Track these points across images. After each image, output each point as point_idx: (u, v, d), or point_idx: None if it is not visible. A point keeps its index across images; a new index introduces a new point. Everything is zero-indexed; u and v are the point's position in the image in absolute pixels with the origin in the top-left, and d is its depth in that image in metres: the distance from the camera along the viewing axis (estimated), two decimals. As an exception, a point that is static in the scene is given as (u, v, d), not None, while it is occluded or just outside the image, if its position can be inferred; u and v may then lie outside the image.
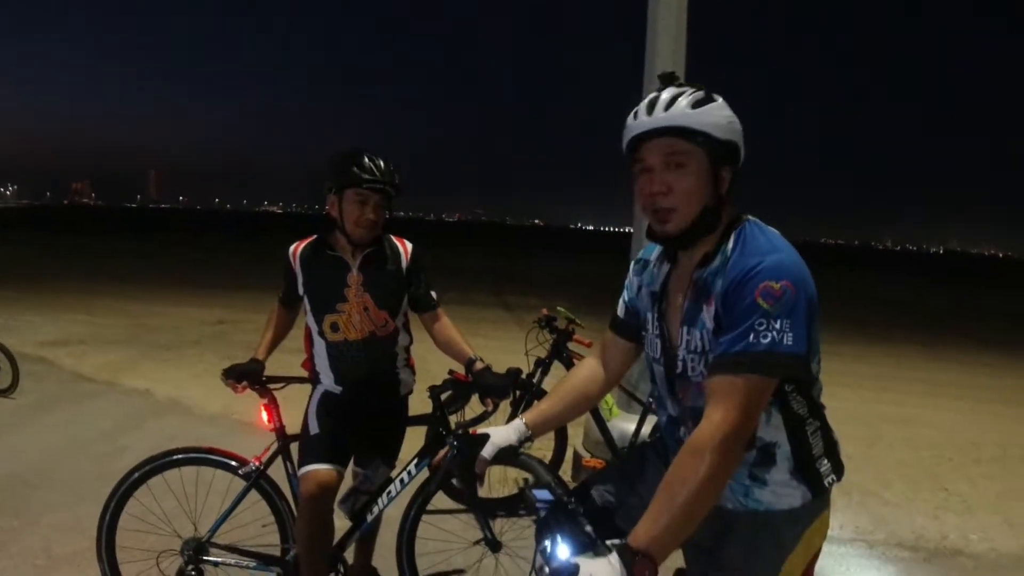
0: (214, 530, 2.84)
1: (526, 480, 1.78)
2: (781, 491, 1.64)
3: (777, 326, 1.44)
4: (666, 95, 1.61)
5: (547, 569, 1.45)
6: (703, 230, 1.62)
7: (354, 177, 2.65)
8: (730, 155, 1.60)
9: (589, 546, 1.46)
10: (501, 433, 1.89)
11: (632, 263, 1.93)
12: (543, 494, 1.63)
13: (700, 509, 1.41)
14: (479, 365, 2.75)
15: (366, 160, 2.67)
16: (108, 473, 2.87)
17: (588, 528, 1.52)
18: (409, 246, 2.90)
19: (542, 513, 1.59)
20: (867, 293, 25.29)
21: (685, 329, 1.65)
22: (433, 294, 2.91)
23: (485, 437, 1.87)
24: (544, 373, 4.29)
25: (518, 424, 1.91)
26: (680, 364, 1.68)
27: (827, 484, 1.67)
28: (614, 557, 1.37)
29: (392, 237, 2.89)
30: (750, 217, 1.66)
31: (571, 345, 4.39)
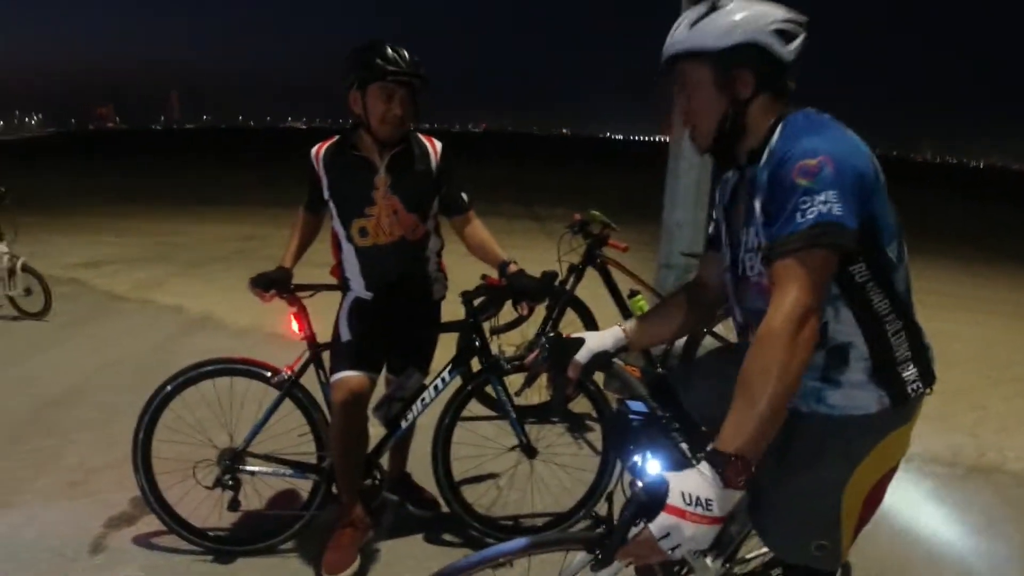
0: (249, 440, 2.83)
1: (598, 390, 1.68)
2: (856, 394, 1.54)
3: (821, 199, 1.37)
4: (677, 22, 1.64)
5: (639, 484, 1.37)
6: (732, 137, 1.62)
7: (378, 69, 2.49)
8: (744, 56, 1.55)
9: (683, 463, 1.40)
10: (596, 338, 1.82)
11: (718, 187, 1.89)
12: (637, 406, 1.55)
13: (784, 396, 1.32)
14: (513, 268, 2.65)
15: (389, 51, 2.50)
16: (142, 388, 2.85)
17: (683, 444, 1.45)
18: (439, 145, 2.75)
19: (635, 425, 1.51)
20: (905, 209, 24.55)
21: (745, 229, 1.61)
22: (464, 196, 2.79)
23: (580, 341, 1.81)
24: (578, 279, 4.17)
25: (615, 331, 1.85)
26: (741, 265, 1.62)
27: (911, 394, 1.55)
28: (705, 466, 1.30)
29: (420, 136, 2.75)
30: (806, 109, 1.58)
31: (606, 251, 4.25)
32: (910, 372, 1.55)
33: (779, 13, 1.56)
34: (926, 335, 1.62)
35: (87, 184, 21.60)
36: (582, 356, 1.79)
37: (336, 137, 2.74)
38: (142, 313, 6.53)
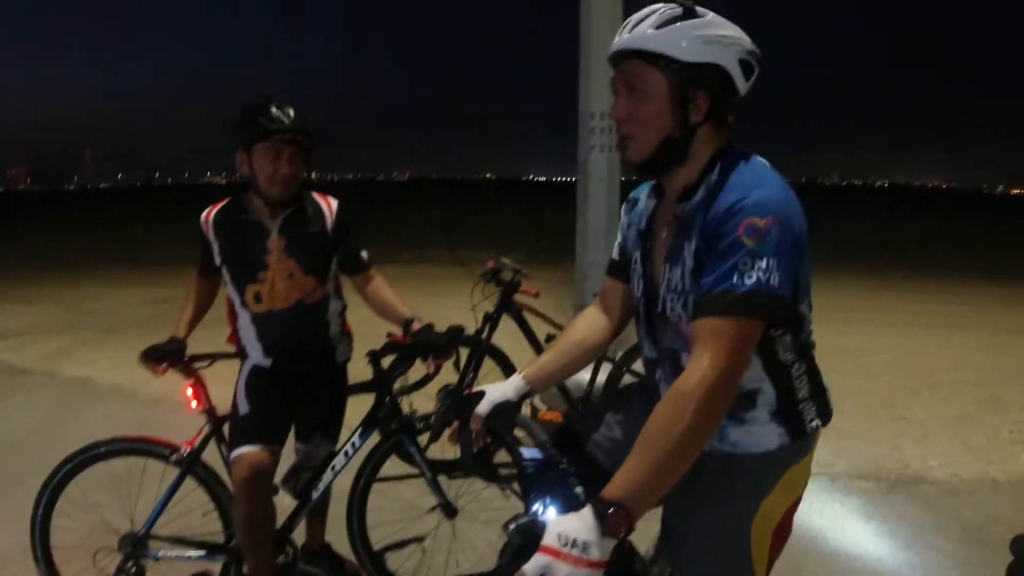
0: (151, 522, 2.68)
1: (514, 440, 1.68)
2: (757, 433, 1.55)
3: (763, 265, 1.34)
4: (642, 13, 1.50)
5: (511, 527, 1.35)
6: (668, 161, 1.53)
7: (262, 129, 2.42)
8: (707, 78, 1.45)
9: (578, 507, 1.36)
10: (497, 390, 1.76)
11: (624, 204, 1.82)
12: (531, 453, 1.54)
13: (682, 461, 1.31)
14: (417, 325, 2.59)
15: (273, 109, 2.43)
16: (42, 468, 2.71)
17: (578, 489, 1.43)
18: (334, 203, 2.69)
19: (529, 471, 1.51)
20: (816, 229, 25.46)
21: (667, 266, 1.56)
22: (364, 254, 2.71)
23: (480, 394, 1.74)
24: (493, 328, 4.15)
25: (516, 379, 1.78)
26: (660, 303, 1.57)
27: (810, 429, 1.58)
28: (587, 510, 1.27)
29: (314, 194, 2.67)
30: (738, 148, 1.54)
31: (519, 297, 4.24)
32: (810, 411, 1.58)
33: (747, 42, 1.49)
34: (824, 375, 1.64)
35: (-4, 250, 20.72)
36: (482, 408, 1.72)
37: (227, 200, 2.66)
38: (47, 386, 6.18)
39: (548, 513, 1.41)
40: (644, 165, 1.54)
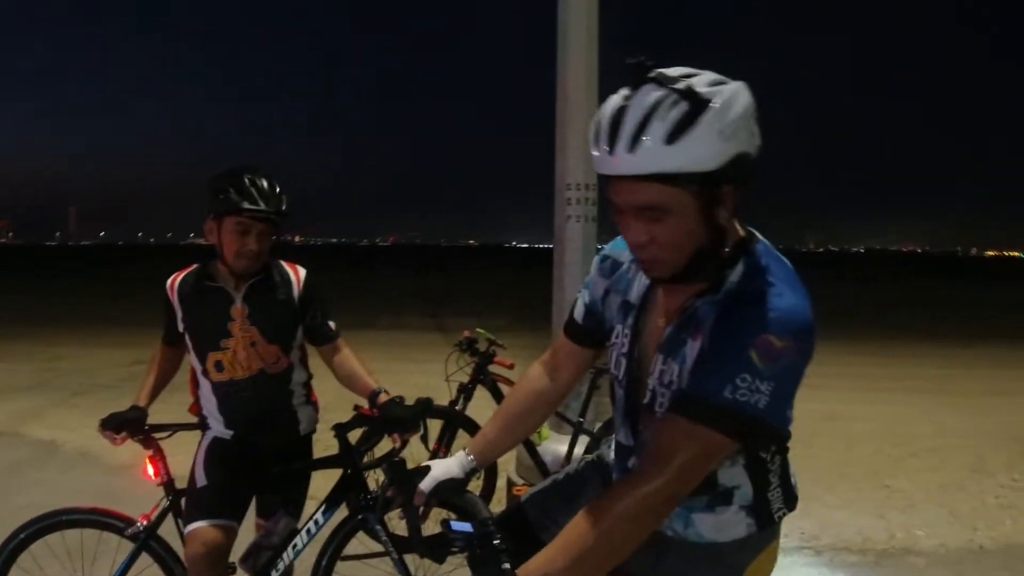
0: (103, 600, 2.54)
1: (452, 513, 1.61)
2: (727, 523, 1.47)
3: (763, 388, 1.21)
4: (633, 119, 1.20)
5: None
6: (702, 268, 1.32)
7: (232, 204, 2.37)
8: (734, 171, 1.22)
9: None
10: (442, 466, 1.66)
11: (597, 259, 1.63)
12: (461, 527, 1.47)
13: (602, 562, 1.26)
14: (383, 397, 2.52)
15: (247, 183, 2.38)
16: (4, 535, 2.61)
17: (506, 565, 1.37)
18: (302, 272, 2.64)
19: (456, 548, 1.46)
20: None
21: (661, 358, 1.41)
22: (331, 324, 2.67)
23: (425, 469, 1.65)
24: (467, 399, 4.11)
25: (461, 456, 1.69)
26: (649, 394, 1.44)
27: (777, 517, 1.50)
28: None
29: (282, 263, 2.63)
30: (760, 238, 1.39)
31: (493, 368, 4.21)
32: (777, 499, 1.51)
33: (748, 96, 1.24)
34: (791, 465, 1.56)
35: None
36: (426, 485, 1.63)
37: (193, 266, 2.61)
38: (11, 448, 6.01)
39: None
40: (675, 279, 1.34)
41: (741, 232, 1.37)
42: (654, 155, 1.19)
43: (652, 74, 1.22)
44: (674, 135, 1.18)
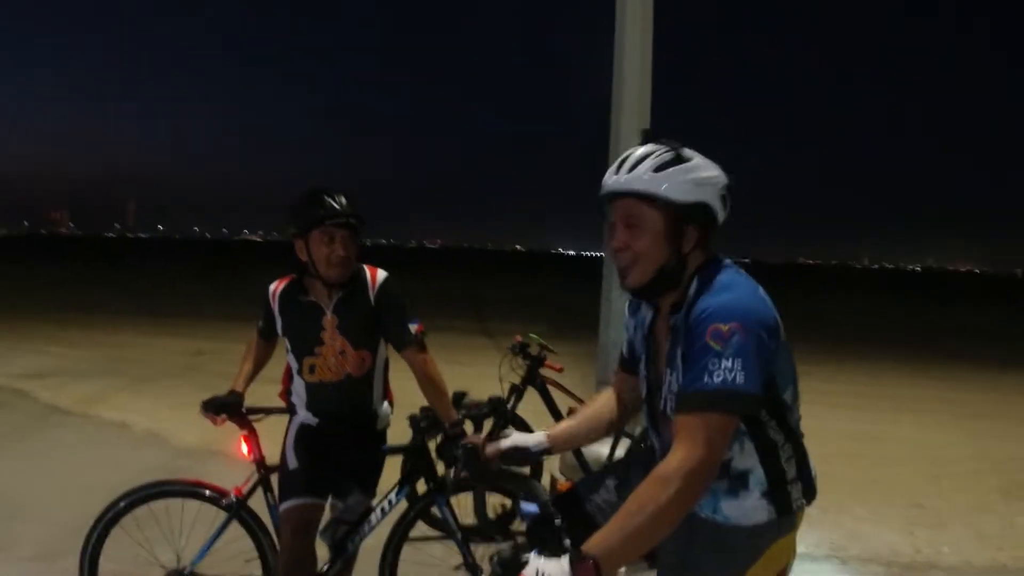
0: (196, 562, 2.85)
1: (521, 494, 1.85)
2: (748, 508, 1.72)
3: (729, 364, 1.52)
4: (634, 156, 1.71)
5: (495, 558, 1.59)
6: (663, 286, 1.73)
7: (316, 217, 2.65)
8: (696, 214, 1.67)
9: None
10: (519, 436, 2.02)
11: (627, 306, 2.02)
12: (530, 507, 1.73)
13: (655, 533, 1.50)
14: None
15: (325, 198, 2.67)
16: (82, 506, 2.91)
17: (567, 542, 1.58)
18: (380, 275, 2.85)
19: (527, 523, 1.70)
20: (844, 313, 25.58)
21: (668, 371, 1.73)
22: (411, 328, 2.79)
23: (504, 435, 2.01)
24: (518, 399, 4.34)
25: (539, 435, 2.03)
26: (663, 403, 1.77)
27: (795, 507, 1.75)
28: (565, 557, 1.46)
29: (365, 267, 2.86)
30: (720, 257, 1.75)
31: (544, 371, 4.44)
32: (796, 491, 1.76)
33: (724, 179, 1.71)
34: (810, 458, 1.81)
35: (38, 292, 21.31)
36: (504, 443, 1.98)
37: (291, 278, 2.85)
38: (85, 428, 6.44)
39: (532, 553, 1.56)
40: (641, 291, 1.76)
41: (702, 259, 1.74)
42: (641, 179, 1.67)
43: (650, 137, 1.76)
44: (660, 168, 1.67)
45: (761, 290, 1.68)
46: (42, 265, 38.33)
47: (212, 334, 12.54)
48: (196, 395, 2.86)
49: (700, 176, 1.67)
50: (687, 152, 1.71)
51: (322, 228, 2.64)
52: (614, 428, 2.12)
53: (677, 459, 1.51)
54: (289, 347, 2.86)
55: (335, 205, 2.66)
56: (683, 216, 1.67)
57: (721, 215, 1.72)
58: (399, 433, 3.00)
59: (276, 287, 2.87)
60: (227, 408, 2.83)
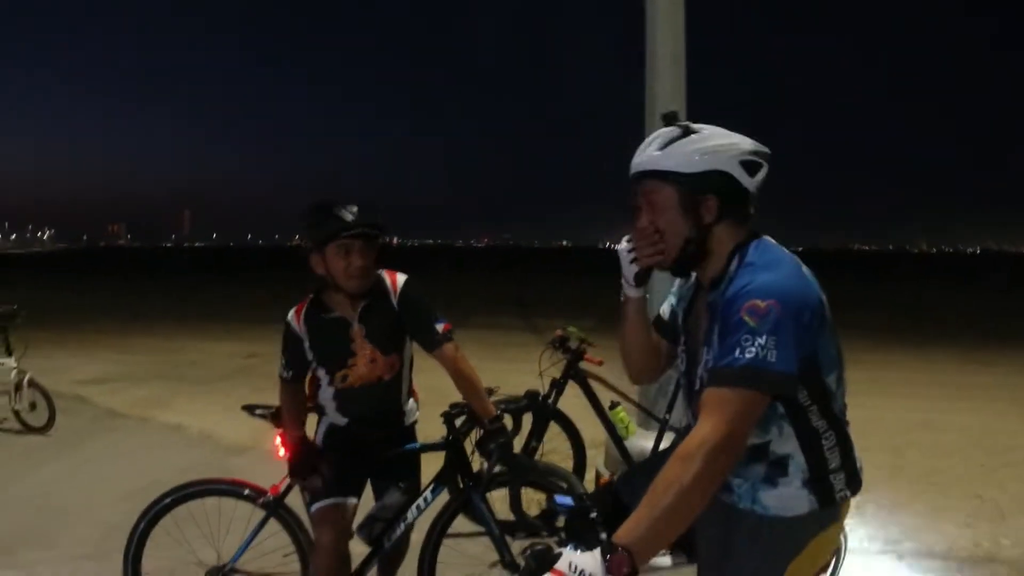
0: (236, 558, 2.91)
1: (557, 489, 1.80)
2: (789, 498, 1.67)
3: (762, 342, 1.48)
4: (650, 138, 1.74)
5: (528, 551, 1.54)
6: (692, 259, 1.73)
7: (329, 230, 2.60)
8: (712, 183, 1.66)
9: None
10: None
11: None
12: (564, 500, 1.72)
13: (683, 514, 1.44)
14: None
15: (335, 210, 2.62)
16: (137, 506, 2.99)
17: (603, 535, 1.56)
18: (400, 279, 2.82)
19: (562, 517, 1.68)
20: (900, 299, 24.92)
21: (704, 349, 1.70)
22: (438, 327, 2.75)
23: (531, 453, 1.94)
24: (559, 393, 4.30)
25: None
26: (698, 381, 1.73)
27: (839, 498, 1.69)
28: (598, 551, 1.42)
29: (384, 273, 2.82)
30: (762, 236, 1.72)
31: (584, 365, 4.39)
32: (840, 481, 1.69)
33: (747, 145, 1.69)
34: (855, 448, 1.74)
35: (97, 301, 22.00)
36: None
37: (307, 300, 2.83)
38: (142, 431, 6.64)
39: (567, 547, 1.52)
40: (674, 267, 1.76)
41: (739, 235, 1.72)
42: (651, 158, 1.70)
43: (674, 120, 1.73)
44: (665, 146, 1.69)
45: (804, 268, 1.65)
46: (101, 278, 39.53)
47: (264, 337, 12.71)
48: (248, 397, 2.93)
49: (707, 145, 1.66)
50: (697, 126, 1.70)
51: (337, 242, 2.61)
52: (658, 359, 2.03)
53: (700, 436, 1.47)
54: (319, 365, 2.83)
55: (348, 217, 2.61)
56: (697, 187, 1.66)
57: (747, 181, 1.68)
58: (432, 430, 3.00)
59: (297, 312, 2.82)
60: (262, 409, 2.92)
